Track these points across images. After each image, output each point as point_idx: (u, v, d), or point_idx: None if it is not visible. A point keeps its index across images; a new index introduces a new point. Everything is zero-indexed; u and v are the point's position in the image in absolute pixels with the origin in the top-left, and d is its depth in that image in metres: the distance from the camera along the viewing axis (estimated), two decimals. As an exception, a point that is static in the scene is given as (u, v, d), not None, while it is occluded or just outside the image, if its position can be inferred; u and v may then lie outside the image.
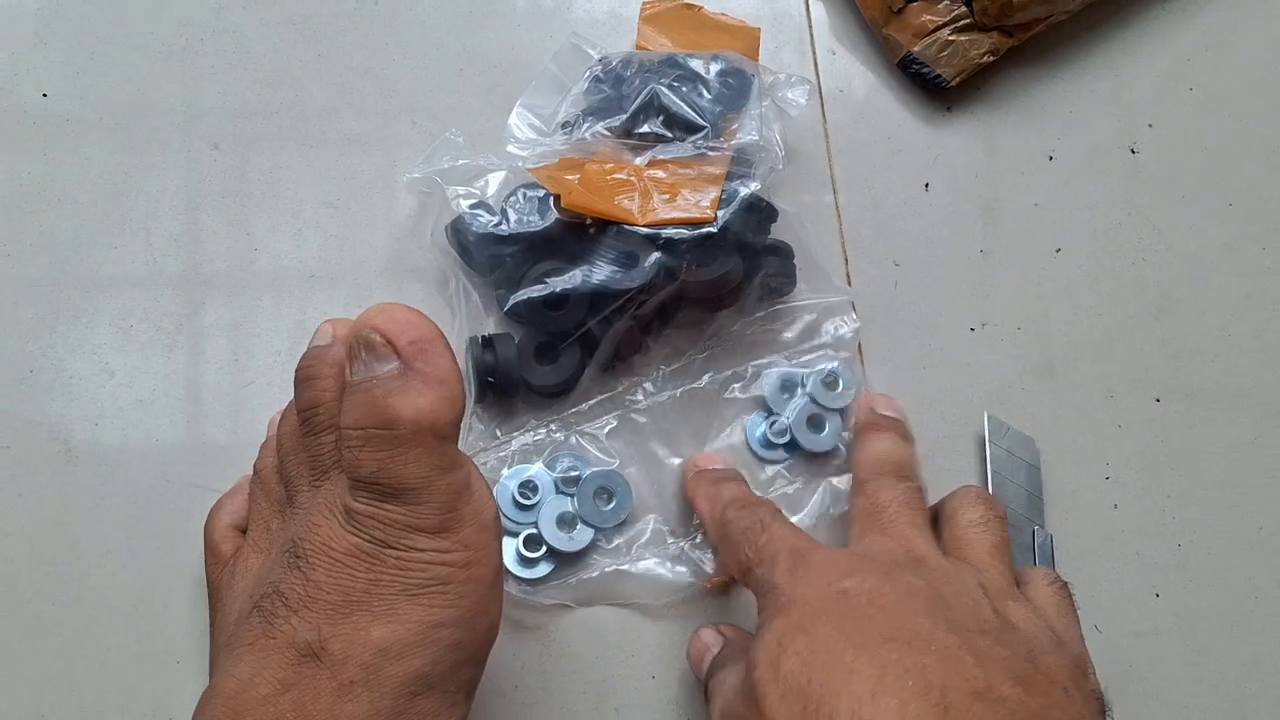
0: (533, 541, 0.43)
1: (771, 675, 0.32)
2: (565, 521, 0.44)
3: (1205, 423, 0.48)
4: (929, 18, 0.51)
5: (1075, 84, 0.53)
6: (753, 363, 0.47)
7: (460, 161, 0.46)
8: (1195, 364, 0.49)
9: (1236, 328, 0.49)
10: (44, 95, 0.50)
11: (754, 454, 0.46)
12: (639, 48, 0.50)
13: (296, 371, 0.36)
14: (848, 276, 0.49)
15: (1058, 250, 0.50)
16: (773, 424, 0.46)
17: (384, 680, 0.31)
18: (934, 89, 0.51)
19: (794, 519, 0.43)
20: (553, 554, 0.44)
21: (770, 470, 0.46)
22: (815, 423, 0.46)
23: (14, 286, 0.47)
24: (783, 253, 0.46)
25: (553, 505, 0.44)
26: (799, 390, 0.46)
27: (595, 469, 0.45)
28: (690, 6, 0.51)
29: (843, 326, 0.48)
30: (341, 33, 0.52)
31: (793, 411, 0.46)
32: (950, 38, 0.51)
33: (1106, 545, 0.46)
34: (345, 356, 0.33)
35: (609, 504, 0.44)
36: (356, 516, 0.32)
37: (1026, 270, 0.50)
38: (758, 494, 0.43)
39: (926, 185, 0.51)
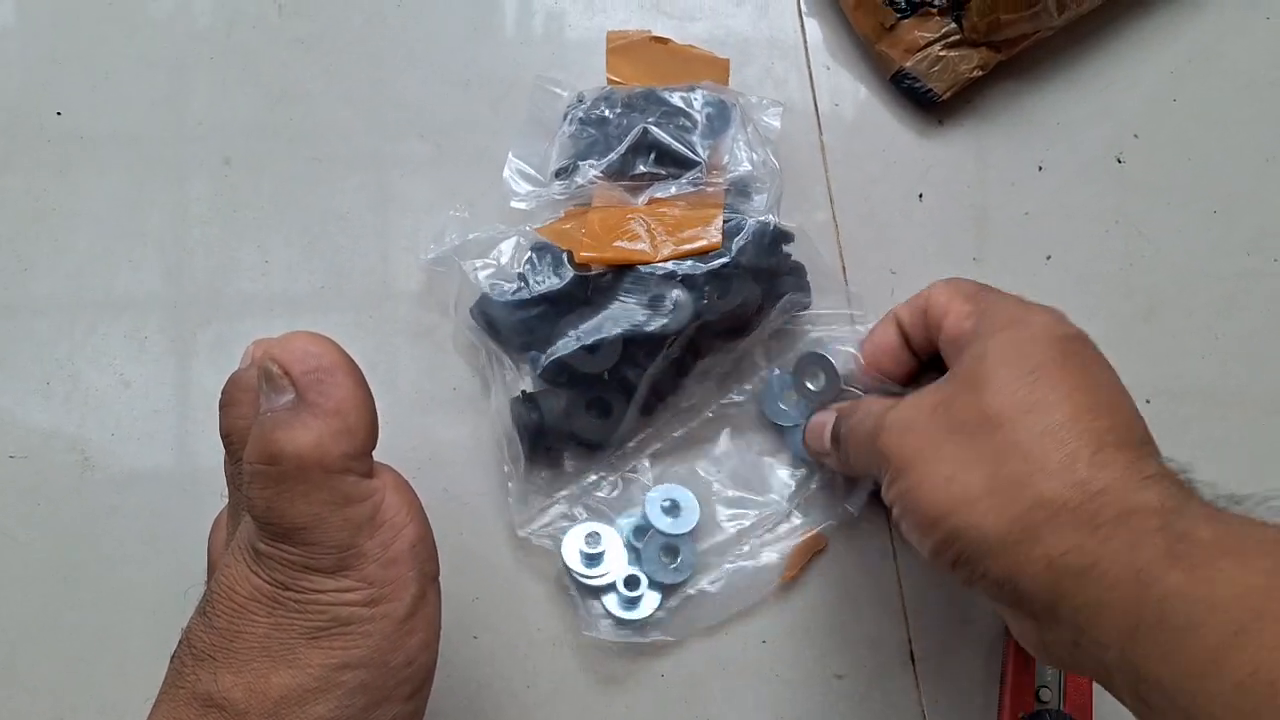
0: (633, 582, 0.44)
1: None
2: (668, 550, 0.45)
3: (1196, 422, 0.49)
4: (920, 34, 0.52)
5: (1063, 97, 0.54)
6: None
7: (471, 235, 0.47)
8: (1185, 365, 0.50)
9: (1224, 329, 0.51)
10: (58, 114, 0.51)
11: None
12: (609, 81, 0.50)
13: (220, 396, 0.35)
14: (845, 285, 0.50)
15: (1048, 257, 0.52)
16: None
17: None
18: (926, 103, 0.53)
19: None
20: (655, 587, 0.45)
21: None
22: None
23: (31, 300, 0.48)
24: (797, 272, 0.47)
25: (652, 542, 0.45)
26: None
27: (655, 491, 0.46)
28: (659, 39, 0.52)
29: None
30: (349, 48, 0.53)
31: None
32: (941, 53, 0.52)
33: (1101, 542, 0.47)
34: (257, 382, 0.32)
35: (678, 515, 0.45)
36: (261, 557, 0.31)
37: (1018, 277, 0.51)
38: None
39: (920, 196, 0.52)
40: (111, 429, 0.46)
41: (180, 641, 0.33)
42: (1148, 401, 0.49)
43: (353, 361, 0.32)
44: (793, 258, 0.48)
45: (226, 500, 0.38)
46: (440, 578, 0.35)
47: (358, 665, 0.31)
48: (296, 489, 0.30)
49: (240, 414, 0.34)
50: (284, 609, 0.31)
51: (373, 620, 0.32)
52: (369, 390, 0.32)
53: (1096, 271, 0.52)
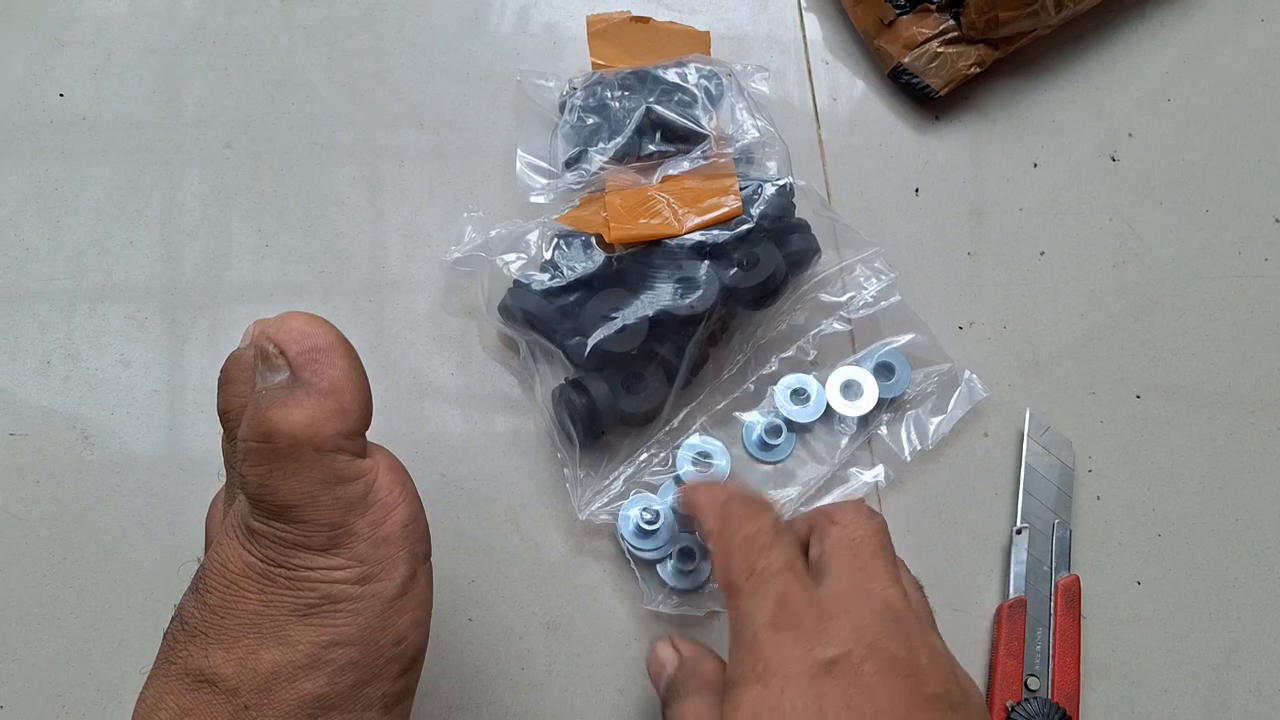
0: (686, 554, 0.45)
1: None
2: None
3: (1184, 419, 0.50)
4: (919, 30, 0.53)
5: (1059, 95, 0.55)
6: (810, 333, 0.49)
7: (493, 232, 0.47)
8: (1174, 362, 0.51)
9: (1213, 328, 0.51)
10: (60, 95, 0.51)
11: (750, 455, 0.48)
12: (594, 65, 0.51)
13: (219, 374, 0.35)
14: (842, 281, 0.51)
15: (1042, 253, 0.52)
16: (768, 425, 0.47)
17: (278, 704, 0.30)
18: (923, 99, 0.53)
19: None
20: (707, 557, 0.45)
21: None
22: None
23: (31, 280, 0.48)
24: (802, 228, 0.47)
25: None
26: (811, 395, 0.48)
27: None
28: (639, 19, 0.52)
29: (874, 285, 0.49)
30: (350, 37, 0.53)
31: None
32: (939, 49, 0.53)
33: (1089, 536, 0.48)
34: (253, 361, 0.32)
35: (709, 466, 0.46)
36: (254, 534, 0.31)
37: (1012, 272, 0.52)
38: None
39: (917, 190, 0.53)
40: (110, 408, 0.46)
41: (173, 617, 0.33)
42: (1137, 397, 0.50)
43: (348, 342, 0.32)
44: (799, 218, 0.48)
45: (224, 479, 0.38)
46: (434, 559, 0.35)
47: (347, 643, 0.31)
48: (289, 467, 0.30)
49: (237, 392, 0.34)
50: (275, 586, 0.31)
51: (362, 599, 0.31)
52: (364, 371, 0.33)
53: (1089, 268, 0.52)
